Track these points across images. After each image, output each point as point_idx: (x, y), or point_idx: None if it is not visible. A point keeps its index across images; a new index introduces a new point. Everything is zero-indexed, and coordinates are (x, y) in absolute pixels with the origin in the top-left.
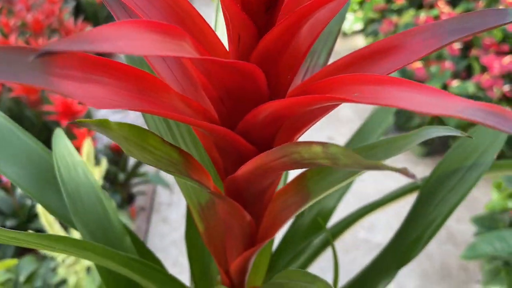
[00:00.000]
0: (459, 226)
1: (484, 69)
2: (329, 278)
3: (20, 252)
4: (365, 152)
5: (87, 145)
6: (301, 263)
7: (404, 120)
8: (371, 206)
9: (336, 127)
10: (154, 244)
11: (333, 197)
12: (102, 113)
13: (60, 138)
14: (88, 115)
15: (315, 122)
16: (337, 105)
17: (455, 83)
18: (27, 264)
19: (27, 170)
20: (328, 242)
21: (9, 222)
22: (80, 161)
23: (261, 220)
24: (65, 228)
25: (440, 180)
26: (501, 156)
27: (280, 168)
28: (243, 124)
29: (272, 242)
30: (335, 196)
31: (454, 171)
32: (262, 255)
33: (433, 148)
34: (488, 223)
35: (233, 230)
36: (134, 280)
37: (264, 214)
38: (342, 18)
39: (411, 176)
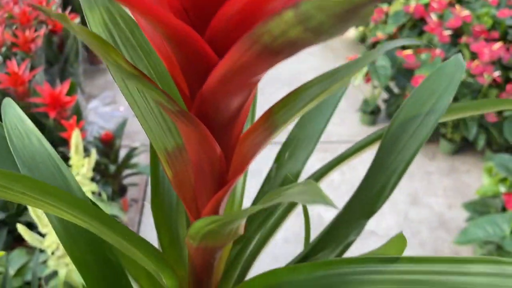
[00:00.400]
0: (451, 212)
1: (474, 55)
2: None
3: (11, 245)
4: (330, 76)
5: (75, 137)
6: (273, 223)
7: (395, 109)
8: (337, 160)
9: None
10: (147, 235)
11: (298, 160)
12: (92, 105)
13: (10, 107)
14: (77, 107)
15: None
16: None
17: None
18: (17, 257)
19: None
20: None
21: None
22: (33, 129)
23: (231, 160)
24: None
25: (400, 127)
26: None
27: (251, 67)
28: (210, 30)
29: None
30: (301, 159)
31: (413, 118)
32: None
33: None
34: (480, 208)
35: (203, 168)
36: (99, 242)
37: (233, 154)
38: None
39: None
